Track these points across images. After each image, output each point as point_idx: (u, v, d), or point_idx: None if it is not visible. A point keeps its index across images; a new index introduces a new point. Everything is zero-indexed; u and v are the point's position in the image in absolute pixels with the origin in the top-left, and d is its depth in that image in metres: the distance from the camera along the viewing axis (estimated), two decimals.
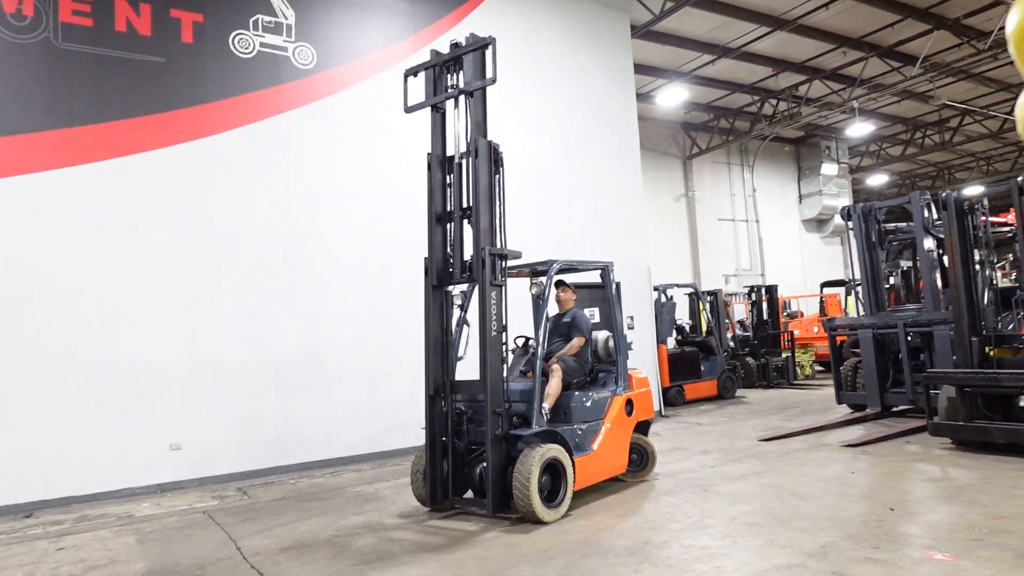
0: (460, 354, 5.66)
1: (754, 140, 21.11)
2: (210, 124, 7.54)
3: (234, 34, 7.76)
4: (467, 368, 5.51)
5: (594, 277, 6.78)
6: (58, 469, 6.44)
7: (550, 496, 5.10)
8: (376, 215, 8.42)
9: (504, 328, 5.22)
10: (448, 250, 5.55)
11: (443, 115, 5.73)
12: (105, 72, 7.03)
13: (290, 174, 7.97)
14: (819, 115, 19.03)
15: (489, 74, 5.35)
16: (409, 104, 5.83)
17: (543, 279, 5.86)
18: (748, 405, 11.54)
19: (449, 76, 5.70)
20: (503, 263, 5.28)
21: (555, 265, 5.85)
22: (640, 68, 14.84)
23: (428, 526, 5.13)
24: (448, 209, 5.58)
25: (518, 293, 6.53)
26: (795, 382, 14.53)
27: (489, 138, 5.41)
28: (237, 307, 7.51)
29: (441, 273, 5.51)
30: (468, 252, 5.42)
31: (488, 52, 5.34)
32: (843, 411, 9.77)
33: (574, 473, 5.30)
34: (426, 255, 5.53)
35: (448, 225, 5.57)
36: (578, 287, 7.00)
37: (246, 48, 7.80)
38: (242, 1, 7.85)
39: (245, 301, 7.56)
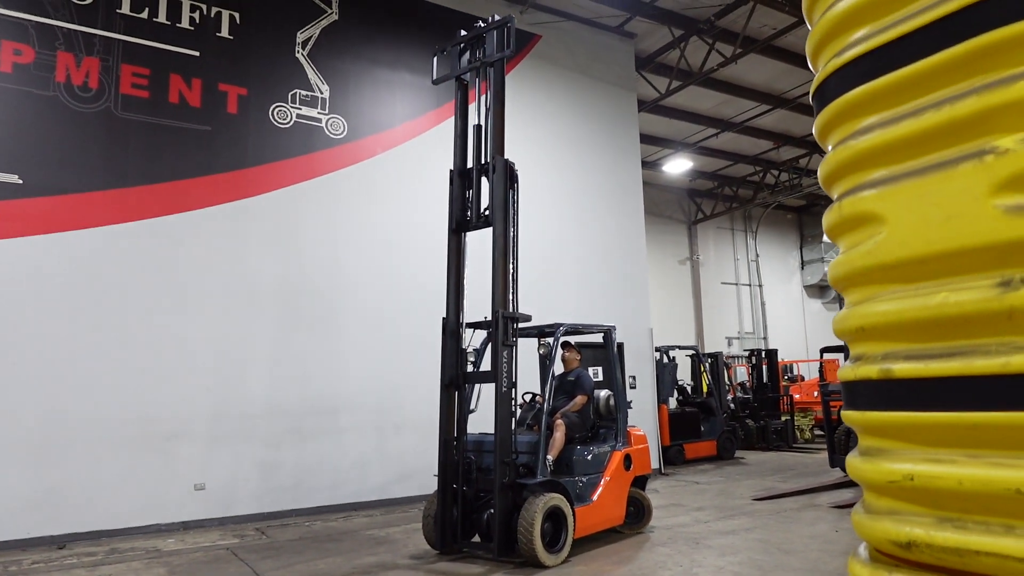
0: (472, 407, 6.13)
1: (757, 208, 21.85)
2: (248, 187, 8.21)
3: (274, 106, 8.51)
4: (477, 422, 5.99)
5: (598, 338, 7.28)
6: (90, 504, 6.88)
7: (552, 542, 5.50)
8: (393, 275, 9.00)
9: (513, 384, 5.71)
10: (467, 200, 6.27)
11: (466, 87, 6.58)
12: (157, 139, 7.74)
13: (316, 234, 8.59)
14: (819, 186, 19.71)
15: (508, 48, 6.12)
16: (436, 77, 6.73)
17: (550, 340, 6.38)
18: (746, 466, 11.85)
19: (472, 53, 6.49)
20: (514, 325, 5.81)
21: (561, 328, 6.38)
22: (647, 139, 15.67)
23: (437, 568, 5.52)
24: (468, 167, 6.36)
25: (526, 352, 7.05)
26: (794, 445, 14.79)
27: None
28: (260, 360, 8.03)
29: (459, 220, 6.20)
30: (485, 202, 6.12)
31: (506, 30, 6.16)
32: (836, 474, 10.07)
33: (575, 521, 5.70)
34: (443, 315, 6.08)
35: (467, 181, 6.32)
36: (583, 346, 7.50)
37: (284, 119, 8.54)
38: (283, 76, 8.63)
39: (268, 354, 8.09)
